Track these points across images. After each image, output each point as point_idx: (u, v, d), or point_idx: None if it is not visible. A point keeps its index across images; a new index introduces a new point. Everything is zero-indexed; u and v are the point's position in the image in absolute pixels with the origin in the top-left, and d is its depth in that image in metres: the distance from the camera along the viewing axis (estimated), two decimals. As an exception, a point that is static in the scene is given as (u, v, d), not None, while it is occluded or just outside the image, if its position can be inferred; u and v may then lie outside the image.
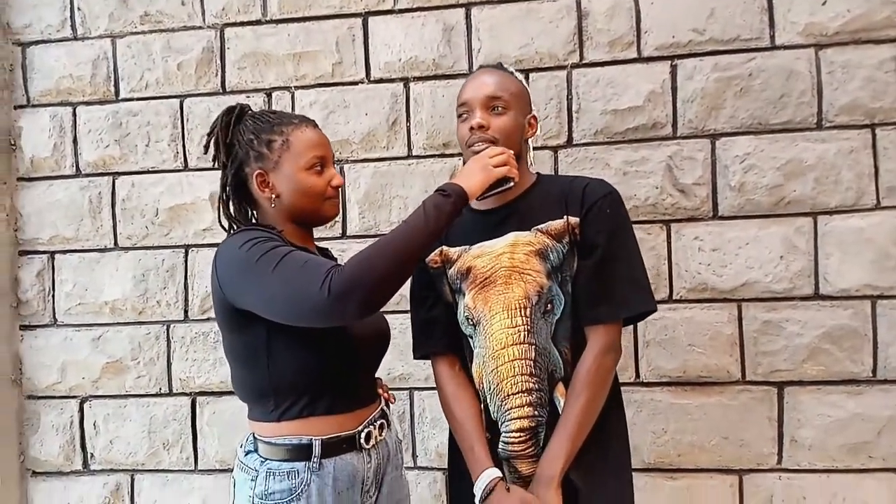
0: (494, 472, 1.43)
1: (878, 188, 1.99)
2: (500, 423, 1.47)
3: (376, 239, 1.27)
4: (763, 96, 2.03)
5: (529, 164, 1.59)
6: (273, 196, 1.39)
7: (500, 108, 1.48)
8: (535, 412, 1.44)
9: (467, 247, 1.52)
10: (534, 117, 1.57)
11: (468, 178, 1.35)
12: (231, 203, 1.45)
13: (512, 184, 1.42)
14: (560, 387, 1.45)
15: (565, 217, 1.46)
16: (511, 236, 1.48)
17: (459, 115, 1.52)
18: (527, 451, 1.44)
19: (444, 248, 1.55)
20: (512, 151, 1.42)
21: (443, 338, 1.58)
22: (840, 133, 2.01)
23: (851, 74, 2.00)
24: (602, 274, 1.44)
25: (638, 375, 2.09)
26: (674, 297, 2.08)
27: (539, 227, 1.47)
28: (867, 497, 2.00)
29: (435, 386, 1.61)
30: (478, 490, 1.42)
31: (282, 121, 1.41)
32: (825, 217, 2.01)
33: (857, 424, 2.00)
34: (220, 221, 1.44)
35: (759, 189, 2.03)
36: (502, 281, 1.46)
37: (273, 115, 1.43)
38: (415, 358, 1.65)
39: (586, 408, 1.41)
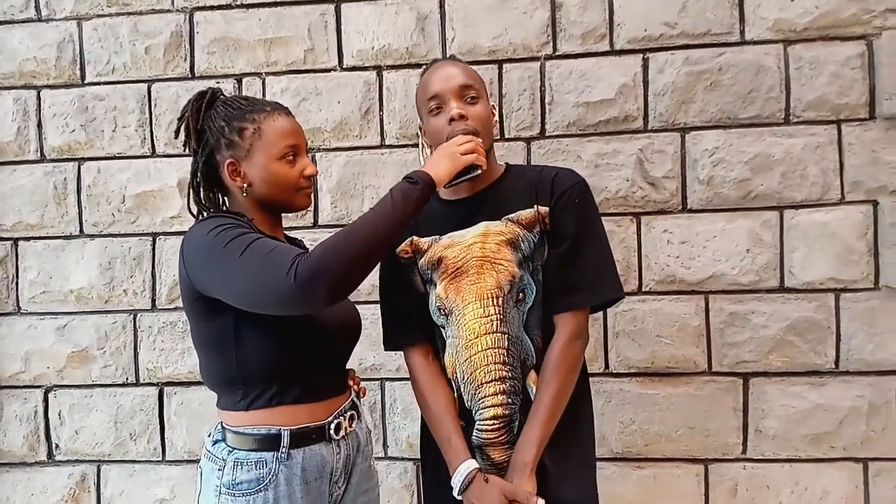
0: (472, 464, 1.43)
1: (843, 183, 2.03)
2: (473, 412, 1.48)
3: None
4: (732, 91, 2.06)
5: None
6: (244, 185, 1.37)
7: (472, 97, 1.48)
8: (509, 400, 1.45)
9: (437, 237, 1.52)
10: (494, 106, 1.57)
11: (435, 166, 1.34)
12: (201, 189, 1.43)
13: (479, 171, 1.40)
14: (532, 375, 1.46)
15: (535, 206, 1.47)
16: (482, 226, 1.48)
17: (430, 110, 1.49)
18: (500, 438, 1.45)
19: (415, 238, 1.54)
20: (480, 140, 1.42)
21: (415, 329, 1.57)
22: (807, 128, 2.04)
23: (818, 70, 2.03)
24: (572, 262, 1.45)
25: (607, 366, 2.11)
26: (643, 289, 2.10)
27: (509, 216, 1.47)
28: (828, 486, 2.05)
29: (406, 376, 1.61)
30: (456, 482, 1.43)
31: (254, 108, 1.38)
32: (791, 211, 2.05)
33: (820, 415, 2.04)
34: (189, 208, 1.43)
35: (727, 183, 2.06)
36: (474, 271, 1.46)
37: (245, 101, 1.40)
38: (386, 349, 1.64)
39: (557, 394, 1.42)
